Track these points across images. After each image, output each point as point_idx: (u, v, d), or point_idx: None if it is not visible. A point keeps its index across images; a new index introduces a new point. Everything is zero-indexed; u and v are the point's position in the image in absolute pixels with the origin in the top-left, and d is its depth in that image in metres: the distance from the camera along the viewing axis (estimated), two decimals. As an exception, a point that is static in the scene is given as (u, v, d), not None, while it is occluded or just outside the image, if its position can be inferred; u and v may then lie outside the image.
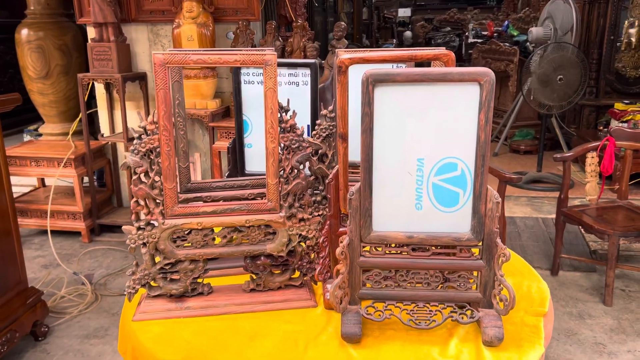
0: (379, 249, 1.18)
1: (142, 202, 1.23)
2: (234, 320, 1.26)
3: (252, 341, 1.18)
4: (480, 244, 1.14)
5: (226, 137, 3.58)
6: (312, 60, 1.54)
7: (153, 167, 1.21)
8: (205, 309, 1.28)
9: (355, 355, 1.12)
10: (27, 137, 5.04)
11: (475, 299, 1.18)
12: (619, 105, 4.59)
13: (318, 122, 1.39)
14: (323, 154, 1.42)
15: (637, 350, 2.52)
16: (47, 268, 3.46)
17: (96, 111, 4.20)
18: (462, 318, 1.17)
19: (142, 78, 3.87)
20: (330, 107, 1.39)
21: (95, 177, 4.34)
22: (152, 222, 1.24)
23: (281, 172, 1.28)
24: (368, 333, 1.19)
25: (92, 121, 4.44)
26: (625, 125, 4.37)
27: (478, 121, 1.07)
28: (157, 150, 1.20)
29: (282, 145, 1.27)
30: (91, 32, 3.78)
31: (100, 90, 4.01)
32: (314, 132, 1.41)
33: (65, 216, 3.86)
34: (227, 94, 3.86)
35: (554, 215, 3.83)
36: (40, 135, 4.69)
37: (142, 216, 1.23)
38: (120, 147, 4.08)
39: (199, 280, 1.31)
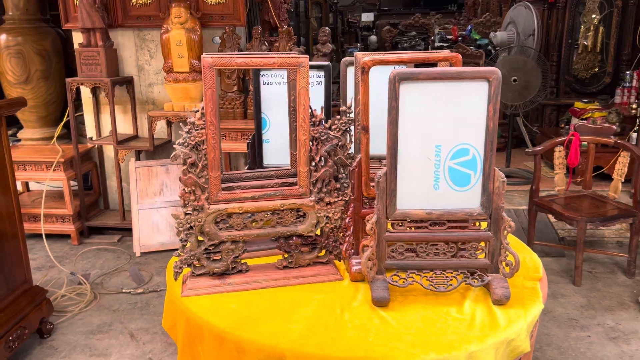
0: (402, 224, 1.36)
1: (188, 190, 1.37)
2: (273, 293, 1.42)
3: (294, 308, 1.34)
4: (489, 217, 1.34)
5: (215, 139, 3.70)
6: (327, 63, 1.71)
7: (200, 157, 1.36)
8: (246, 284, 1.43)
9: (387, 316, 1.30)
10: (4, 143, 5.00)
11: (484, 266, 1.37)
12: (578, 104, 4.94)
13: (338, 116, 1.56)
14: (342, 145, 1.59)
15: (605, 323, 2.79)
16: (40, 270, 3.50)
17: (81, 115, 4.24)
18: (474, 282, 1.36)
19: (129, 82, 3.95)
20: (349, 103, 1.56)
21: (80, 181, 4.38)
22: (197, 207, 1.38)
23: (311, 161, 1.44)
24: (393, 298, 1.36)
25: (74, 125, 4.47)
26: (585, 122, 4.71)
27: (487, 112, 1.27)
28: (203, 142, 1.35)
29: (312, 137, 1.43)
30: (78, 38, 3.84)
31: (86, 94, 4.07)
32: (334, 126, 1.58)
33: (54, 219, 3.90)
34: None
35: (524, 207, 4.12)
36: (19, 140, 4.68)
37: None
38: (108, 150, 4.14)
39: (238, 259, 1.46)
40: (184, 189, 1.37)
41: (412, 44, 9.83)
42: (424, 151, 1.31)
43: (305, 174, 1.44)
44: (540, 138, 5.44)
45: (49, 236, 3.88)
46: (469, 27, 8.47)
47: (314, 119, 1.43)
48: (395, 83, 1.25)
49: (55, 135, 4.20)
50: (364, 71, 1.38)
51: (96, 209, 4.21)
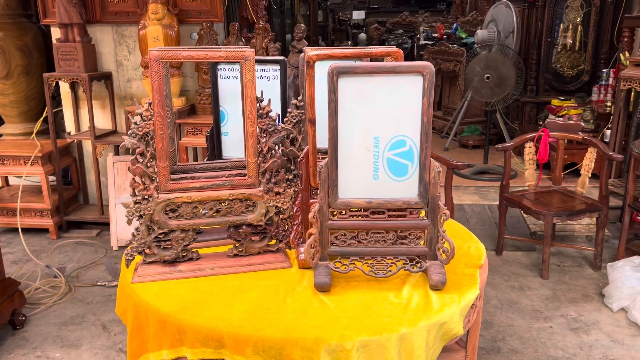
0: (344, 213, 1.41)
1: (138, 179, 1.42)
2: (221, 280, 1.46)
3: (239, 294, 1.39)
4: (426, 206, 1.39)
5: (192, 134, 3.74)
6: (282, 58, 1.76)
7: (148, 148, 1.40)
8: (195, 272, 1.48)
9: (327, 300, 1.35)
10: (-16, 138, 5.01)
11: (423, 253, 1.43)
12: (555, 102, 5.01)
13: (289, 109, 1.61)
14: (293, 138, 1.64)
15: (569, 314, 2.86)
16: (16, 264, 3.53)
17: (61, 110, 4.26)
18: (413, 268, 1.42)
19: (107, 77, 3.98)
20: (300, 97, 1.61)
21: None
22: (147, 196, 1.43)
23: (259, 152, 1.49)
24: (335, 284, 1.42)
25: (54, 120, 4.49)
26: (561, 119, 4.79)
27: (422, 105, 1.32)
28: (152, 133, 1.39)
29: (260, 128, 1.48)
30: (56, 33, 3.86)
31: (65, 89, 4.09)
32: (285, 119, 1.63)
33: (33, 213, 3.92)
34: (191, 92, 4.01)
35: (498, 202, 4.18)
36: (0, 135, 4.69)
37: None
38: (87, 144, 4.17)
39: (189, 247, 1.51)
40: (133, 179, 1.41)
41: (399, 42, 9.89)
42: (363, 142, 1.36)
43: (253, 164, 1.48)
44: (520, 135, 5.51)
45: (28, 230, 3.91)
46: (455, 26, 8.54)
47: (261, 111, 1.47)
48: (333, 77, 1.30)
49: (35, 130, 4.22)
50: (309, 65, 1.43)
51: (75, 204, 4.24)
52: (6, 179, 4.30)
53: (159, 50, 1.35)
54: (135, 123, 1.39)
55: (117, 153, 4.00)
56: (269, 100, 1.50)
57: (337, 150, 1.35)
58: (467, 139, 6.17)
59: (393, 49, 1.44)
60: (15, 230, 3.89)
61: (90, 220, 4.04)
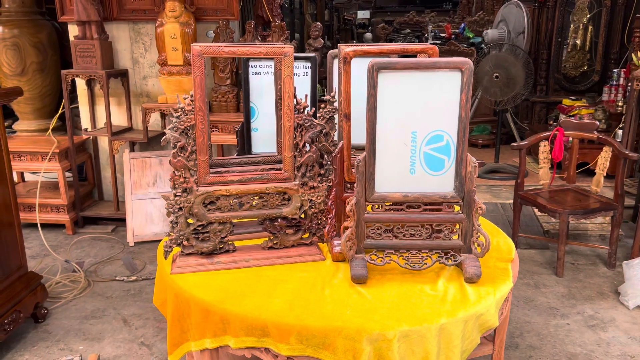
0: (378, 207, 1.44)
1: (178, 173, 1.45)
2: (259, 271, 1.49)
3: (277, 285, 1.42)
4: (462, 200, 1.42)
5: (208, 131, 3.77)
6: (313, 55, 1.79)
7: (189, 141, 1.43)
8: (233, 263, 1.51)
9: (364, 292, 1.38)
10: None
11: (458, 246, 1.45)
12: (566, 101, 5.03)
13: (322, 105, 1.64)
14: (326, 133, 1.66)
15: (585, 312, 2.88)
16: (35, 259, 3.56)
17: (76, 107, 4.30)
18: (448, 261, 1.44)
19: (123, 75, 4.01)
20: (333, 92, 1.63)
21: (75, 172, 4.43)
22: (187, 189, 1.45)
23: (295, 146, 1.52)
24: (371, 276, 1.44)
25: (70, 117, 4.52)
26: (573, 118, 4.80)
27: (460, 100, 1.34)
28: (192, 127, 1.42)
29: (296, 123, 1.51)
30: (74, 30, 3.89)
31: (81, 86, 4.12)
32: (318, 114, 1.65)
33: (49, 209, 3.96)
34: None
35: (511, 201, 4.21)
36: (15, 132, 4.73)
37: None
38: (102, 141, 4.20)
39: (226, 240, 1.54)
40: (174, 172, 1.44)
41: (406, 41, 9.91)
42: (401, 137, 1.38)
43: (289, 159, 1.51)
44: (530, 134, 5.52)
45: (44, 226, 3.94)
46: (462, 25, 8.55)
47: (298, 107, 1.50)
48: (373, 72, 1.32)
49: (51, 127, 4.25)
50: (346, 61, 1.45)
51: (90, 200, 4.27)
52: (22, 174, 4.33)
53: (202, 45, 1.38)
54: (177, 117, 1.41)
55: (132, 150, 4.03)
56: (306, 95, 1.53)
57: (374, 145, 1.38)
58: (477, 138, 6.19)
59: (428, 45, 1.46)
60: (30, 225, 3.92)
61: (106, 216, 4.07)
